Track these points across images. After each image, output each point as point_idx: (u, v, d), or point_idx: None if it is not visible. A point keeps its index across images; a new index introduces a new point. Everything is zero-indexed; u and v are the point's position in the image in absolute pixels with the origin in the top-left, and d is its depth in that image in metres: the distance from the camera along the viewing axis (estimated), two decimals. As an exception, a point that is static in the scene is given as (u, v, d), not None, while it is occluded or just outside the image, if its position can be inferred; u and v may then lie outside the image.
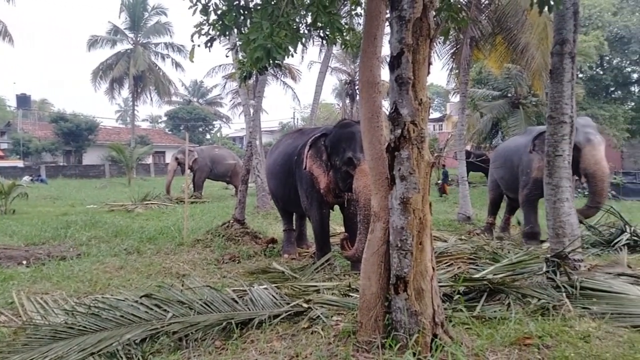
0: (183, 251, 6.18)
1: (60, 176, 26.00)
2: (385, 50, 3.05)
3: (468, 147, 18.33)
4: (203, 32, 3.34)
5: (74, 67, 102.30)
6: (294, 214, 6.47)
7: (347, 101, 25.63)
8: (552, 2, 3.16)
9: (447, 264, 4.77)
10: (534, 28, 9.60)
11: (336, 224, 6.98)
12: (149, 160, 32.66)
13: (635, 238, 5.63)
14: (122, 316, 3.22)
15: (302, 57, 20.19)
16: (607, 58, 19.74)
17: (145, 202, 11.83)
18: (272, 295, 3.64)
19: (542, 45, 9.54)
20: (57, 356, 2.81)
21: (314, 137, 5.22)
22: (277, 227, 7.82)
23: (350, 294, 3.78)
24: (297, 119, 37.56)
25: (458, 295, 3.46)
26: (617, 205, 7.89)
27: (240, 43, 3.13)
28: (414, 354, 2.53)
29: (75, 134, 29.03)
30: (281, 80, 23.65)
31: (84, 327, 3.12)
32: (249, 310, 3.41)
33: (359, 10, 4.56)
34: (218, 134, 44.70)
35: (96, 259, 5.65)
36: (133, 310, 3.30)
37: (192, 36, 3.32)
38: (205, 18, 3.31)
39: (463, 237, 6.80)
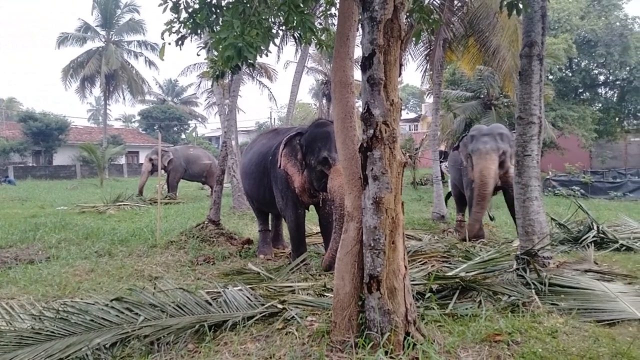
0: (156, 253, 6.05)
1: (30, 177, 25.19)
2: (358, 51, 3.07)
3: (442, 147, 18.59)
4: (174, 30, 3.30)
5: (44, 65, 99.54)
6: (270, 214, 6.43)
7: (324, 101, 25.70)
8: (520, 6, 3.25)
9: (421, 262, 4.84)
10: (505, 30, 9.78)
11: (312, 224, 6.98)
12: (122, 160, 31.95)
13: (602, 235, 5.80)
14: (92, 320, 3.14)
15: (278, 56, 20.15)
16: (576, 60, 20.33)
17: (117, 203, 11.57)
18: (247, 297, 3.61)
19: (513, 48, 9.73)
20: (23, 363, 2.72)
21: (289, 136, 5.21)
22: (253, 227, 7.76)
23: (325, 293, 3.79)
24: (274, 118, 37.43)
25: (430, 293, 3.51)
26: (585, 203, 8.11)
27: (211, 42, 3.10)
28: (387, 353, 2.55)
29: (45, 133, 28.13)
30: (257, 79, 23.57)
31: (52, 332, 3.02)
32: (223, 312, 3.37)
33: (333, 10, 4.57)
34: (193, 134, 44.11)
35: (66, 262, 5.50)
36: (103, 314, 3.22)
37: (162, 34, 3.28)
38: (176, 16, 3.28)
39: (437, 236, 6.90)
